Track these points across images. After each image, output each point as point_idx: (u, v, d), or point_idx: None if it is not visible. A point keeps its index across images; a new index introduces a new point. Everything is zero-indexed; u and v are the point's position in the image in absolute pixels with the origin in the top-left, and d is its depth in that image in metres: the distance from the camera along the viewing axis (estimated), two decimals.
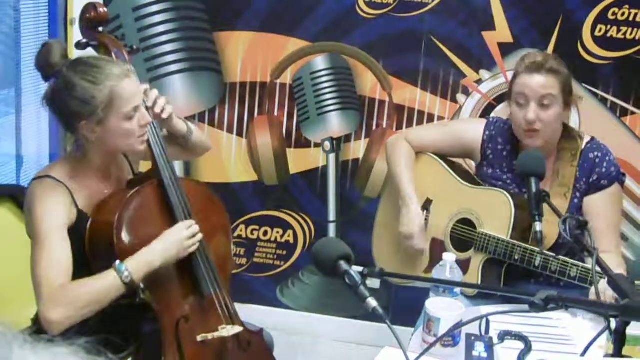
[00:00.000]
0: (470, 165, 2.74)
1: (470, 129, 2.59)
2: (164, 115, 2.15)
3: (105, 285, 1.89)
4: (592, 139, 2.46)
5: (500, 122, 2.55)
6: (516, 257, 2.28)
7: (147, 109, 2.08)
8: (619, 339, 1.40)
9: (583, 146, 2.42)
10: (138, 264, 1.92)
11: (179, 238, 2.00)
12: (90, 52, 2.13)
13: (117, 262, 1.90)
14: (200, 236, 2.06)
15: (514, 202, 2.33)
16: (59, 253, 1.90)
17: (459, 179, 2.52)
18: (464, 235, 2.45)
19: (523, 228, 2.31)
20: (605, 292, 2.00)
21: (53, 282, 1.87)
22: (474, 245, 2.39)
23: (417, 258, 2.57)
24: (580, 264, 2.14)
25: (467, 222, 2.45)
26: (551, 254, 2.20)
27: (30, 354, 0.77)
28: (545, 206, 2.00)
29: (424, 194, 2.55)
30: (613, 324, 1.43)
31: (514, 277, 2.38)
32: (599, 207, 2.39)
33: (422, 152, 2.62)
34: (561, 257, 2.16)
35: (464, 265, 2.38)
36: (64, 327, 1.85)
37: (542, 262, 2.22)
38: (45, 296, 1.86)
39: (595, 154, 2.41)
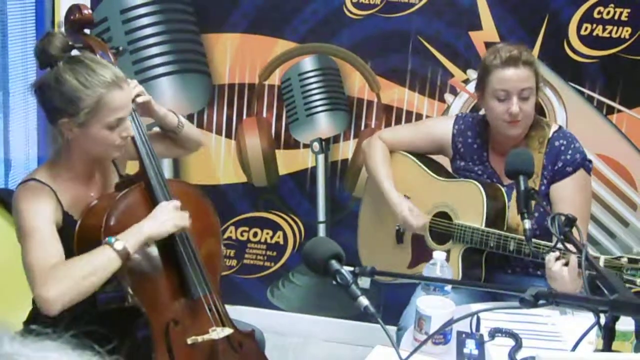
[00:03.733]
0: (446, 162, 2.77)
1: (440, 125, 2.67)
2: (139, 100, 2.13)
3: (98, 258, 1.86)
4: (560, 127, 2.52)
5: (469, 117, 2.62)
6: (491, 245, 2.32)
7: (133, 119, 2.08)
8: (608, 334, 1.41)
9: (550, 134, 2.46)
10: (127, 234, 1.90)
11: (167, 210, 1.99)
12: (75, 54, 2.11)
13: (107, 237, 1.88)
14: (186, 213, 2.04)
15: (485, 192, 2.39)
16: (48, 240, 1.89)
17: (432, 173, 2.59)
18: (442, 227, 2.50)
19: (495, 216, 2.38)
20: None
21: (45, 263, 1.85)
22: (452, 236, 2.44)
23: (401, 254, 2.62)
24: (550, 243, 2.16)
25: (443, 215, 2.50)
26: (540, 241, 2.22)
27: (20, 346, 0.77)
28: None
29: (401, 192, 2.61)
30: (602, 319, 1.44)
31: (491, 266, 2.43)
32: (565, 193, 2.43)
33: (395, 151, 2.69)
34: (534, 241, 2.18)
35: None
36: (61, 304, 1.82)
37: (516, 246, 2.27)
38: (38, 277, 1.84)
39: (561, 141, 2.45)
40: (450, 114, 3.23)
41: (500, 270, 2.48)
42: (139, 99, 2.14)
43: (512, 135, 2.43)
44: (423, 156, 2.68)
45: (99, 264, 1.86)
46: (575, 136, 2.48)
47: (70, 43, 2.08)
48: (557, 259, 2.10)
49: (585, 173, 2.45)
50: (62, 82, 1.92)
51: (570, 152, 2.43)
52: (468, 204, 2.42)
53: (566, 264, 2.07)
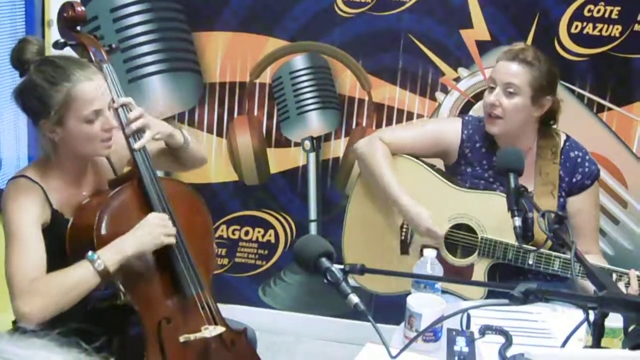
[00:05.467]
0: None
1: (448, 129, 2.54)
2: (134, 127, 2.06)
3: (77, 275, 1.86)
4: (568, 137, 2.48)
5: (475, 120, 2.54)
6: (530, 262, 2.28)
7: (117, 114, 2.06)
8: (598, 330, 1.42)
9: (562, 144, 2.44)
10: (109, 252, 1.89)
11: (151, 225, 1.97)
12: (68, 51, 2.11)
13: (89, 252, 1.88)
14: (173, 228, 2.02)
15: None
16: (31, 248, 1.89)
17: (446, 181, 2.47)
18: (462, 241, 2.42)
19: (525, 231, 2.27)
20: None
21: (25, 276, 1.85)
22: (478, 251, 2.37)
23: (407, 267, 2.51)
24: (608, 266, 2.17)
25: (461, 228, 2.42)
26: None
27: (7, 344, 0.78)
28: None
29: None
30: (592, 316, 1.45)
31: (506, 277, 2.39)
32: (584, 206, 2.43)
33: (396, 154, 2.53)
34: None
35: (467, 272, 2.38)
36: (38, 319, 1.82)
37: (562, 264, 2.23)
38: (17, 290, 1.85)
39: (576, 152, 2.43)
40: (441, 113, 3.25)
41: (514, 279, 2.40)
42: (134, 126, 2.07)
43: (491, 132, 2.40)
44: (428, 162, 2.53)
45: (78, 281, 1.87)
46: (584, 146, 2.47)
47: (62, 40, 2.09)
48: (616, 281, 2.09)
49: (597, 184, 2.46)
50: (34, 85, 1.93)
51: (587, 164, 2.42)
52: (500, 218, 2.27)
53: (627, 285, 2.09)
